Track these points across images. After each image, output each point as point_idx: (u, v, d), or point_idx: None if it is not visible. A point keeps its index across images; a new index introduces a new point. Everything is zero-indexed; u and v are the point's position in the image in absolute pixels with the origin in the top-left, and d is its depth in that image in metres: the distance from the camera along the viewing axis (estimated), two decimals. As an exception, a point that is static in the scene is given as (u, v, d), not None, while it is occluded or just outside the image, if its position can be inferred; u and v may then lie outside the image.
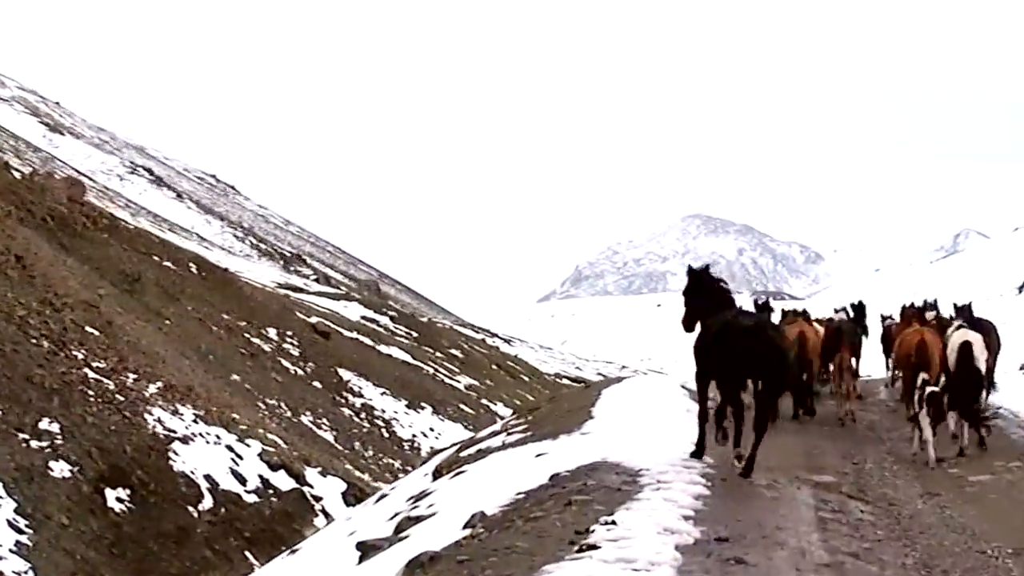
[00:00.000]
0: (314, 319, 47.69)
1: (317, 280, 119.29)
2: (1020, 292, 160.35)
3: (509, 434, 16.49)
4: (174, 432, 22.91)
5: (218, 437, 23.85)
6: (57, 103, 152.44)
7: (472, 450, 16.26)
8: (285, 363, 40.41)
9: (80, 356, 23.57)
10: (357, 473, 33.27)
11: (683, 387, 20.20)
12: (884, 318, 29.47)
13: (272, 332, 42.36)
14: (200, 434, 23.52)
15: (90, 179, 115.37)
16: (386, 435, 39.64)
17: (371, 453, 36.89)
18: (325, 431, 36.36)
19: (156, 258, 41.10)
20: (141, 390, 23.77)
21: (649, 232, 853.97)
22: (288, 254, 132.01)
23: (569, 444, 13.45)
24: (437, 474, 14.90)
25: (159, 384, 24.59)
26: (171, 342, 33.44)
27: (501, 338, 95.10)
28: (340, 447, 35.69)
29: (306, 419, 36.18)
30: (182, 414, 23.84)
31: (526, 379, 61.13)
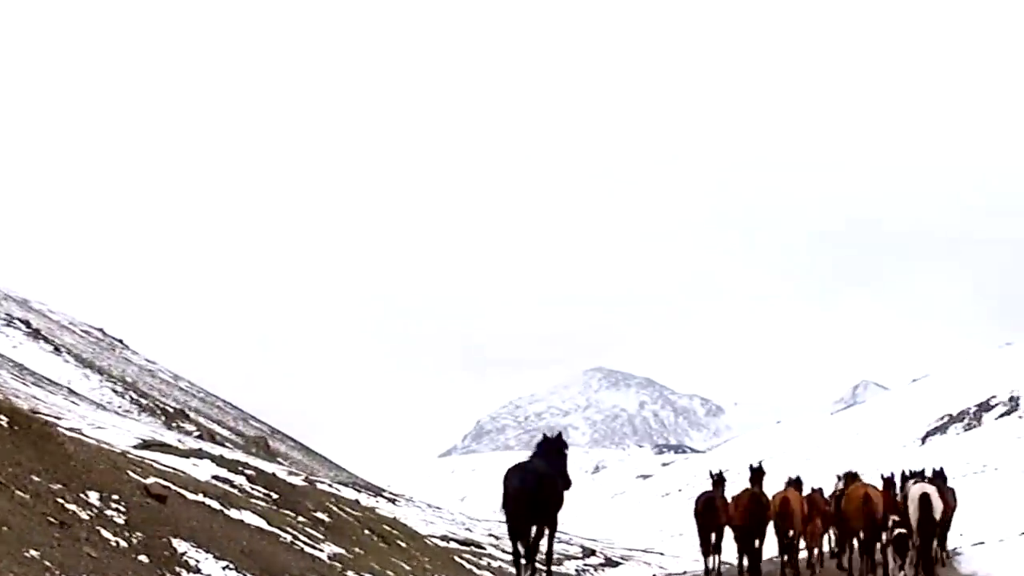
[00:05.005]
0: (151, 480, 41.60)
1: (200, 436, 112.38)
2: (923, 443, 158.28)
3: None
4: None
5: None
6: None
7: None
8: (105, 533, 34.20)
9: None
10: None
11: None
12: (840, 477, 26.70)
13: (94, 496, 36.28)
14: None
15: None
16: (224, 619, 33.58)
17: (201, 643, 30.84)
18: (144, 617, 30.31)
19: (-43, 411, 35.08)
20: None
21: (551, 386, 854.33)
22: (171, 410, 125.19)
23: None
24: None
25: None
26: (-52, 512, 27.49)
27: (386, 497, 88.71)
28: (160, 637, 29.65)
29: (121, 603, 30.14)
30: None
31: (402, 544, 55.11)
